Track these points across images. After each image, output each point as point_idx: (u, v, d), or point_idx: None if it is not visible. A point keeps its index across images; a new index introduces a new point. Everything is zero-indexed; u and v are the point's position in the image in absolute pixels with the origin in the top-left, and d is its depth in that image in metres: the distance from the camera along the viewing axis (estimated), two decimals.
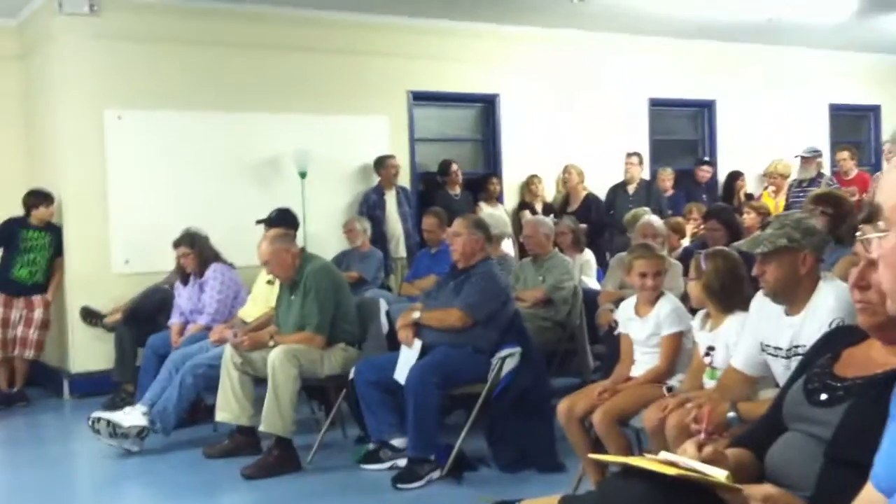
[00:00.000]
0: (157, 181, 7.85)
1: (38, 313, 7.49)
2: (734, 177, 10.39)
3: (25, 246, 7.43)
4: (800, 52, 10.98)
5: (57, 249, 7.61)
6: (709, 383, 3.78)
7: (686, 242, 7.17)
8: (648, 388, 4.09)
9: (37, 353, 7.51)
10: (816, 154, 8.84)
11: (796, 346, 3.07)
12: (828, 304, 3.07)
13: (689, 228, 7.60)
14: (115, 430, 5.50)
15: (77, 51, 7.65)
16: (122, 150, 7.74)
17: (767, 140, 10.64)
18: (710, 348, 3.81)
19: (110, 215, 7.72)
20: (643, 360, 4.28)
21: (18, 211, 7.52)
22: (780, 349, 3.16)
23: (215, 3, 8.01)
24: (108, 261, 7.71)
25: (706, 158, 10.54)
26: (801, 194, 8.27)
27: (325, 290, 5.45)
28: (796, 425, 2.46)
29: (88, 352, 7.60)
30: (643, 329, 4.30)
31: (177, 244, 6.73)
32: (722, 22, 9.56)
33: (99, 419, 5.54)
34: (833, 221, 4.54)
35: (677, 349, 4.17)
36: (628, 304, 4.43)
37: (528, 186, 9.45)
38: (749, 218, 7.46)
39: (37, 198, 7.46)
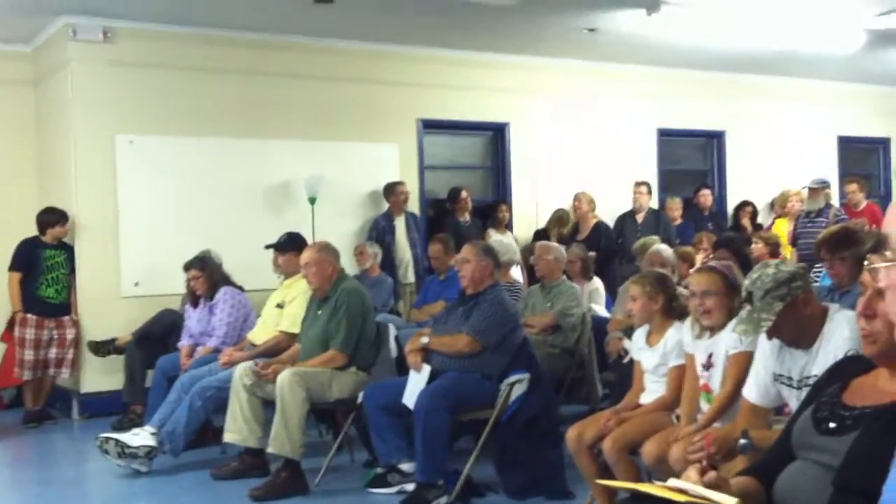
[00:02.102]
0: (168, 205, 7.93)
1: (70, 333, 7.56)
2: (741, 206, 10.43)
3: (47, 265, 7.50)
4: (809, 83, 11.03)
5: (72, 267, 7.68)
6: (704, 407, 3.81)
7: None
8: (658, 417, 4.10)
9: (71, 372, 7.57)
10: (824, 185, 8.86)
11: (807, 378, 3.07)
12: (842, 333, 3.07)
13: (699, 258, 7.61)
14: (123, 451, 5.52)
15: (90, 77, 7.74)
16: (134, 174, 7.82)
17: (776, 171, 10.68)
18: (710, 357, 3.86)
19: (121, 239, 7.78)
20: (652, 389, 4.30)
21: (30, 233, 7.58)
22: (792, 379, 3.17)
23: (227, 31, 8.11)
24: (118, 283, 7.76)
25: (706, 183, 10.58)
26: (810, 225, 8.30)
27: (355, 311, 5.50)
28: (805, 454, 2.47)
29: (98, 372, 7.65)
30: (651, 358, 4.34)
31: (187, 267, 6.79)
32: (732, 53, 9.63)
33: (108, 439, 5.57)
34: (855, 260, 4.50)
35: (683, 380, 4.18)
36: (641, 333, 4.47)
37: (557, 227, 9.34)
38: (758, 248, 7.47)
39: (53, 215, 7.53)
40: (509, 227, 9.42)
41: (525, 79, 9.55)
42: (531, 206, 9.63)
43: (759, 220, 10.49)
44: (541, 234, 9.35)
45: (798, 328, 3.14)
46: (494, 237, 8.69)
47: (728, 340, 3.73)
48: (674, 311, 4.32)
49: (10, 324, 7.83)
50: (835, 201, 9.64)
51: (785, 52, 9.59)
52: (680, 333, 4.22)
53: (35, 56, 8.40)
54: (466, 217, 9.14)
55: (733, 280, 3.87)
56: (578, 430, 4.22)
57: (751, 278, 3.21)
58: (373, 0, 7.50)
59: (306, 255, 5.67)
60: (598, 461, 4.16)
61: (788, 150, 10.97)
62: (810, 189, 8.85)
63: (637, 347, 4.46)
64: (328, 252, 5.71)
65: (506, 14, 7.91)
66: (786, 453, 2.52)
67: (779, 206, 10.06)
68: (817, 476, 2.36)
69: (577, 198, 9.37)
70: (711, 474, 2.23)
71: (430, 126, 9.26)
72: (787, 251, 8.45)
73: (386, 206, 8.76)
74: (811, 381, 2.97)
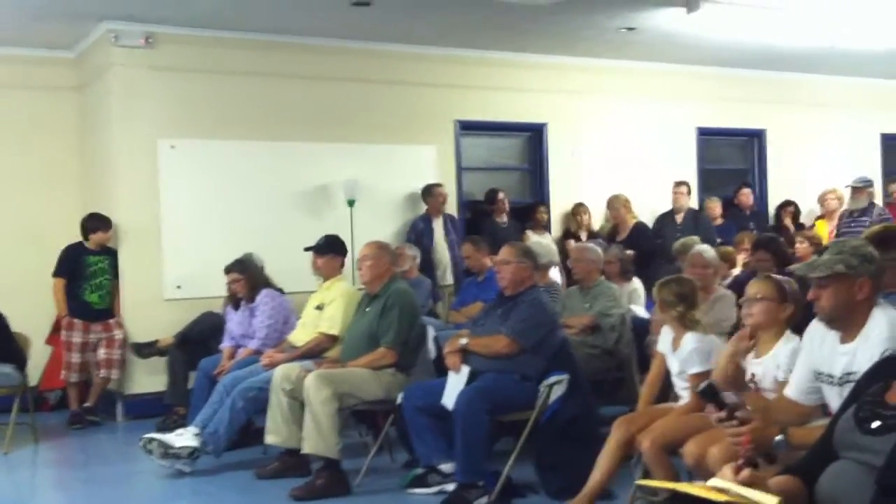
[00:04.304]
0: (209, 209, 8.01)
1: (117, 334, 7.67)
2: (783, 206, 10.34)
3: (90, 271, 7.61)
4: (850, 81, 10.90)
5: (115, 272, 7.79)
6: None
7: (737, 272, 7.12)
8: (698, 418, 4.07)
9: (120, 373, 7.69)
10: (867, 184, 8.76)
11: (849, 374, 3.03)
12: (881, 333, 3.02)
13: (741, 258, 7.55)
14: (166, 451, 5.58)
15: (132, 82, 7.83)
16: (176, 179, 7.91)
17: (818, 170, 10.56)
18: (753, 377, 3.81)
19: (163, 242, 7.87)
20: (682, 394, 4.34)
21: (74, 238, 7.70)
22: (834, 377, 3.13)
23: (266, 35, 8.17)
24: (160, 286, 7.85)
25: (746, 182, 10.50)
26: (853, 224, 8.20)
27: (407, 312, 5.55)
28: (847, 453, 2.46)
29: (142, 374, 7.75)
30: (674, 363, 4.39)
31: (228, 270, 6.87)
32: (772, 51, 9.53)
33: (151, 440, 5.64)
34: None
35: None
36: (667, 335, 4.46)
37: (574, 216, 9.46)
38: (802, 248, 7.40)
39: (97, 221, 7.64)
40: (547, 228, 9.41)
41: (563, 79, 9.53)
42: (569, 207, 9.60)
43: (804, 219, 10.37)
44: (569, 233, 9.37)
45: (840, 307, 3.08)
46: (533, 238, 8.67)
47: (776, 363, 3.71)
48: (688, 321, 4.36)
49: (56, 327, 7.98)
50: (878, 200, 9.51)
51: (826, 50, 9.48)
52: (696, 340, 4.25)
53: (78, 62, 8.52)
54: (504, 218, 9.14)
55: (787, 290, 3.84)
56: (626, 423, 4.26)
57: (842, 240, 3.23)
58: (409, 2, 7.53)
59: (365, 249, 5.78)
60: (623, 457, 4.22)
61: (830, 149, 10.83)
62: (853, 188, 8.75)
63: (664, 348, 4.49)
64: (386, 251, 5.84)
65: (542, 14, 7.89)
66: (828, 452, 2.51)
67: (820, 206, 9.96)
68: (860, 475, 2.36)
69: (610, 203, 9.33)
70: (745, 472, 2.22)
71: (468, 127, 9.27)
72: None
73: (424, 208, 8.78)
74: (853, 378, 2.93)
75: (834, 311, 3.10)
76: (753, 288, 3.91)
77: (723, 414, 2.81)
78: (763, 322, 3.80)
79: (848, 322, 3.10)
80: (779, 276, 4.05)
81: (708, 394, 2.99)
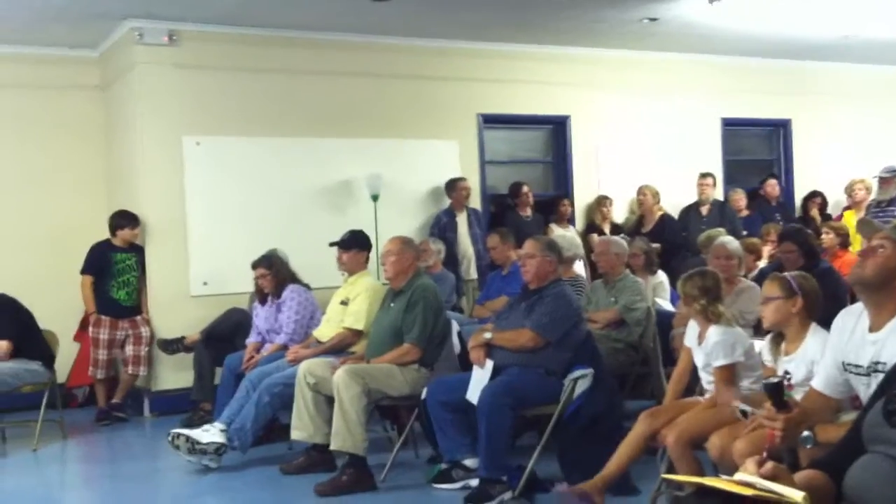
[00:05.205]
0: (234, 205, 8.05)
1: (144, 331, 7.73)
2: (809, 197, 10.25)
3: (118, 269, 7.67)
4: (875, 69, 10.78)
5: (142, 269, 7.85)
6: None
7: (763, 264, 7.07)
8: (722, 411, 4.05)
9: (147, 369, 7.75)
10: (895, 174, 8.65)
11: (877, 363, 2.99)
12: None
13: (767, 250, 7.49)
14: (193, 447, 5.62)
15: (157, 80, 7.88)
16: (201, 175, 7.96)
17: (845, 160, 10.44)
18: (786, 373, 3.77)
19: (189, 239, 7.92)
20: (711, 388, 4.30)
21: (100, 236, 7.77)
22: (861, 367, 3.09)
23: (289, 31, 8.20)
24: (186, 283, 7.90)
25: (773, 173, 10.41)
26: (881, 214, 8.11)
27: (431, 307, 5.54)
28: (876, 447, 2.43)
29: (169, 371, 7.81)
30: (700, 357, 4.35)
31: (255, 265, 6.90)
32: (796, 40, 9.45)
33: (178, 435, 5.67)
34: None
35: (729, 380, 4.16)
36: (693, 329, 4.43)
37: (598, 208, 9.42)
38: (829, 238, 7.34)
39: (124, 219, 7.70)
40: (571, 221, 9.37)
41: (585, 71, 9.49)
42: (592, 200, 9.56)
43: (831, 210, 10.26)
44: (593, 226, 9.33)
45: (882, 278, 3.01)
46: (557, 232, 8.65)
47: (808, 357, 3.68)
48: (711, 314, 4.32)
49: (84, 324, 8.05)
50: None
51: (851, 38, 9.38)
52: (721, 333, 4.22)
53: (102, 61, 8.58)
54: (528, 212, 9.12)
55: (793, 285, 3.82)
56: (651, 416, 4.25)
57: None
58: None
59: (388, 245, 5.78)
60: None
61: (857, 139, 10.71)
62: (881, 178, 8.66)
63: (690, 341, 4.46)
64: (410, 246, 5.83)
65: (564, 6, 7.86)
66: (856, 446, 2.48)
67: (847, 197, 9.85)
68: (889, 469, 2.33)
69: (641, 191, 9.31)
70: (769, 465, 2.20)
71: (490, 121, 9.26)
72: (857, 242, 8.26)
73: (448, 202, 8.78)
74: (881, 368, 2.90)
75: (875, 274, 3.02)
76: (763, 292, 3.92)
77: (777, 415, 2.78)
78: (777, 320, 3.82)
79: (877, 297, 3.03)
80: (791, 272, 4.03)
81: (773, 389, 2.93)
